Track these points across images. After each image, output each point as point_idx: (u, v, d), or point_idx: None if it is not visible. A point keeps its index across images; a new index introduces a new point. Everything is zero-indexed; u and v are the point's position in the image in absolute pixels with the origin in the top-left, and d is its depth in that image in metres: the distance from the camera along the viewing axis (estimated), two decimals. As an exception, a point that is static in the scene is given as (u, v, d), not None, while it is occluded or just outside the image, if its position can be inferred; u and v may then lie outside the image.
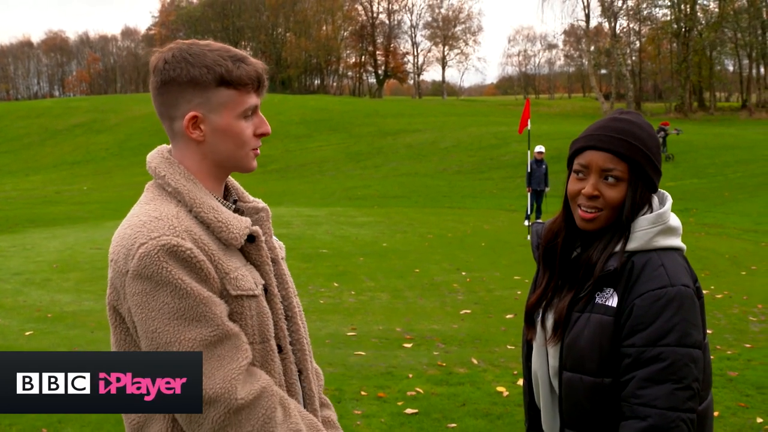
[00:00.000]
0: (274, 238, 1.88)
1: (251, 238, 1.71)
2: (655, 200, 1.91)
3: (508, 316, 7.82)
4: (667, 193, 1.95)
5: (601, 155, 1.84)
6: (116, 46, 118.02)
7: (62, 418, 4.66)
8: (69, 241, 14.01)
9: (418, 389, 5.40)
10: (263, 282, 1.71)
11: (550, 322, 1.94)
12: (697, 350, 1.77)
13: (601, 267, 1.83)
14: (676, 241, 1.89)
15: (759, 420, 4.80)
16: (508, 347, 6.63)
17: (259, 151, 1.74)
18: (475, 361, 6.18)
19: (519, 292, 9.00)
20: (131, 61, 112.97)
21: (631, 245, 1.84)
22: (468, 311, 8.21)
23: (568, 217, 1.95)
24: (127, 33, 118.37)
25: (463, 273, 10.52)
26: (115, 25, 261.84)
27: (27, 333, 7.15)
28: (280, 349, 1.73)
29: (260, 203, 1.85)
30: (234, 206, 1.78)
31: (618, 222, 1.86)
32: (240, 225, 1.67)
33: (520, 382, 5.57)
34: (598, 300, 1.84)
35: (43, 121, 51.42)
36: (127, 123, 48.65)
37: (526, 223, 15.86)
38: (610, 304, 1.81)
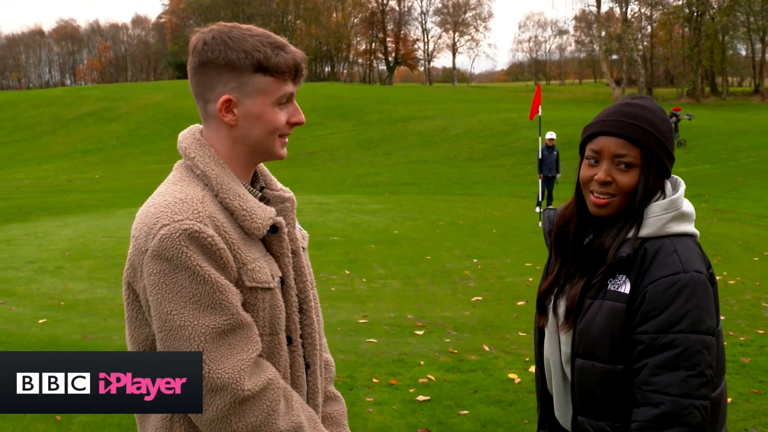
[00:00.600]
0: (298, 227, 1.87)
1: (274, 229, 1.70)
2: (668, 186, 1.89)
3: (520, 303, 7.81)
4: (680, 179, 1.93)
5: (614, 141, 1.82)
6: (127, 35, 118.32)
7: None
8: (81, 229, 14.08)
9: (429, 376, 5.41)
10: (281, 274, 1.70)
11: (562, 309, 1.93)
12: (710, 337, 1.75)
13: (614, 253, 1.82)
14: (690, 227, 1.87)
15: (772, 406, 4.78)
16: (520, 334, 6.63)
17: (287, 139, 1.73)
18: (486, 348, 6.18)
19: (530, 279, 8.98)
20: (142, 49, 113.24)
21: (644, 231, 1.82)
22: (479, 298, 8.20)
23: (581, 204, 1.93)
24: (138, 21, 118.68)
25: (475, 260, 10.51)
26: (125, 14, 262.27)
27: (40, 321, 7.20)
28: (290, 342, 1.73)
29: (287, 192, 1.83)
30: (260, 194, 1.76)
31: (631, 208, 1.84)
32: (264, 215, 1.66)
33: (532, 368, 5.56)
34: (611, 287, 1.82)
35: (54, 109, 51.63)
36: (138, 111, 48.79)
37: (537, 209, 15.80)
38: (622, 291, 1.80)
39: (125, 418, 4.53)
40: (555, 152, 16.72)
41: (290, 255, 1.74)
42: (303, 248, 1.86)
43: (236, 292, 1.59)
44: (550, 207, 2.16)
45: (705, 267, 1.83)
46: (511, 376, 5.42)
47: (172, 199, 1.59)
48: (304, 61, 1.68)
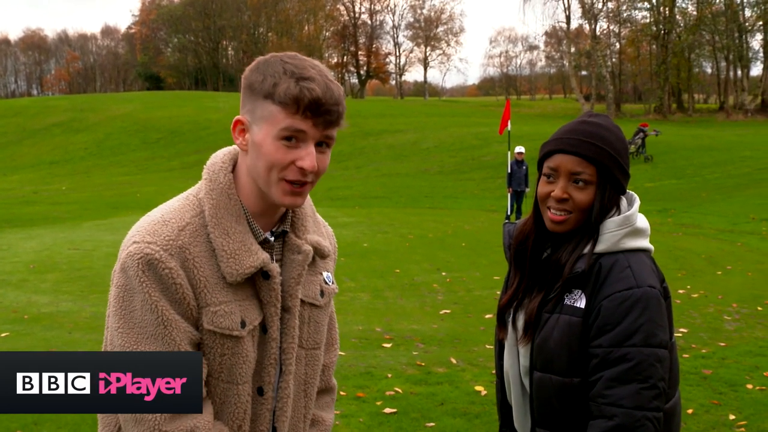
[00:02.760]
0: (326, 279, 1.78)
1: (266, 275, 1.60)
2: (624, 202, 1.94)
3: (488, 316, 7.86)
4: (635, 195, 1.98)
5: (570, 159, 1.86)
6: (96, 45, 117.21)
7: (38, 419, 4.62)
8: (46, 241, 13.89)
9: (396, 389, 5.42)
10: (259, 320, 1.61)
11: (521, 323, 1.96)
12: (663, 350, 1.79)
13: (570, 269, 1.86)
14: (644, 243, 1.92)
15: (731, 417, 4.87)
16: (487, 347, 6.67)
17: (298, 187, 1.55)
18: (453, 361, 6.21)
19: (498, 292, 8.99)
20: (111, 60, 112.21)
21: (599, 247, 1.86)
22: (447, 311, 8.24)
23: (538, 219, 1.97)
24: (107, 32, 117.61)
25: (444, 273, 10.56)
26: (94, 24, 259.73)
27: (3, 334, 7.08)
28: (261, 393, 1.65)
29: (305, 245, 1.68)
30: (265, 236, 1.64)
31: (587, 224, 1.88)
32: (247, 261, 1.56)
33: (498, 381, 5.61)
34: (567, 301, 1.86)
35: (20, 120, 50.89)
36: (107, 122, 48.28)
37: (506, 223, 15.98)
38: (578, 305, 1.84)
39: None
40: (524, 166, 16.90)
41: (278, 305, 1.63)
42: (317, 305, 1.75)
43: (186, 329, 1.53)
44: (508, 221, 2.19)
45: (658, 281, 1.87)
46: (478, 388, 5.46)
47: (158, 218, 1.56)
48: (328, 99, 1.50)
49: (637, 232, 1.90)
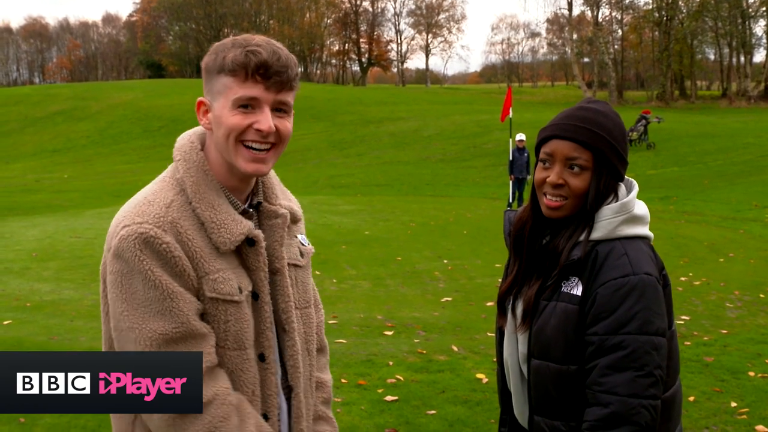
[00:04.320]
0: (302, 241, 1.85)
1: (251, 242, 1.66)
2: (622, 189, 1.92)
3: (489, 304, 7.86)
4: (634, 182, 1.96)
5: (566, 144, 1.85)
6: (97, 33, 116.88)
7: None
8: (48, 229, 13.90)
9: (398, 377, 5.43)
10: (250, 288, 1.66)
11: (519, 310, 1.96)
12: (660, 338, 1.78)
13: (566, 256, 1.85)
14: (642, 230, 1.90)
15: (733, 404, 4.87)
16: (488, 334, 6.67)
17: (261, 153, 1.60)
18: (455, 349, 6.21)
19: (500, 280, 9.00)
20: (112, 47, 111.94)
21: (596, 234, 1.85)
22: (449, 299, 8.24)
23: (536, 206, 1.96)
24: (109, 19, 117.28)
25: (445, 261, 10.55)
26: (96, 12, 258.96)
27: (6, 322, 7.09)
28: (263, 359, 1.68)
29: (281, 209, 1.76)
30: (243, 207, 1.70)
31: (583, 211, 1.87)
32: (235, 229, 1.62)
33: (500, 368, 5.62)
34: (564, 288, 1.85)
35: (22, 108, 50.86)
36: (108, 111, 48.25)
37: (507, 211, 15.97)
38: (575, 293, 1.83)
39: (90, 420, 4.49)
40: (525, 154, 16.87)
41: (266, 269, 1.69)
42: (300, 265, 1.82)
43: (191, 300, 1.57)
44: (510, 208, 2.18)
45: (656, 269, 1.85)
46: (479, 376, 5.46)
47: (141, 201, 1.60)
48: (275, 61, 1.56)
49: (635, 219, 1.89)
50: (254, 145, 1.59)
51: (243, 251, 1.66)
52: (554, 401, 1.88)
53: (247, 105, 1.57)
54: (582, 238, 1.85)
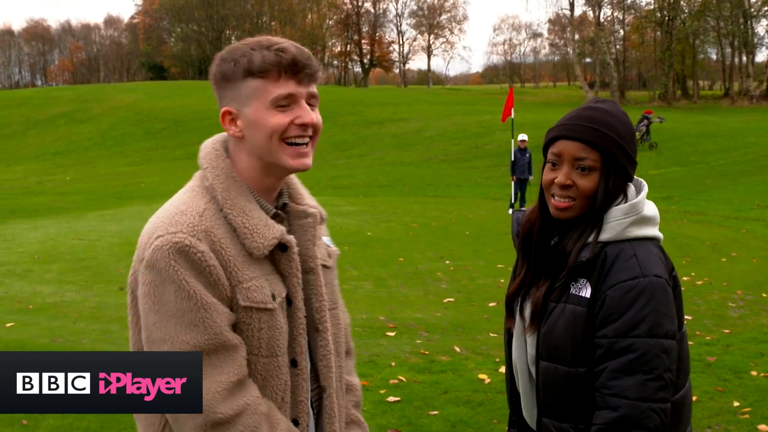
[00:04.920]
0: (327, 243, 1.86)
1: (283, 247, 1.65)
2: (632, 189, 1.91)
3: (491, 304, 7.86)
4: (643, 182, 1.94)
5: (573, 144, 1.84)
6: (99, 35, 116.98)
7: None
8: (51, 231, 13.91)
9: (400, 377, 5.43)
10: (285, 294, 1.66)
11: (527, 312, 1.94)
12: (670, 340, 1.77)
13: (575, 257, 1.83)
14: (651, 231, 1.88)
15: (736, 404, 4.86)
16: (491, 335, 6.67)
17: (303, 148, 1.63)
18: (457, 349, 6.21)
19: (502, 281, 9.03)
20: (114, 50, 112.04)
21: (604, 236, 1.84)
22: (451, 299, 8.24)
23: (544, 207, 1.94)
24: (110, 21, 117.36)
25: (447, 261, 10.55)
26: (97, 14, 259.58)
27: (8, 324, 7.10)
28: (295, 365, 1.68)
29: (310, 209, 1.76)
30: (275, 210, 1.70)
31: (591, 212, 1.85)
32: (269, 234, 1.62)
33: (502, 369, 5.61)
34: (573, 290, 1.84)
35: (24, 110, 50.91)
36: (110, 113, 48.27)
37: (510, 211, 15.90)
38: (583, 295, 1.82)
39: (93, 421, 4.49)
40: (527, 154, 16.86)
41: (299, 275, 1.68)
42: (328, 266, 1.82)
43: (224, 311, 1.56)
44: (521, 208, 2.16)
45: (666, 271, 1.83)
46: (482, 376, 5.46)
47: (173, 210, 1.59)
48: (302, 56, 1.59)
49: (645, 221, 1.87)
50: (297, 140, 1.61)
51: (276, 256, 1.65)
52: (563, 403, 1.87)
53: (284, 103, 1.59)
54: (591, 239, 1.84)
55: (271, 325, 1.62)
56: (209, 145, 1.71)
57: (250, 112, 1.59)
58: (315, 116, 1.63)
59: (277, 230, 1.63)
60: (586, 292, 1.81)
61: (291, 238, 1.66)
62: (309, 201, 1.80)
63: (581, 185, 1.83)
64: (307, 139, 1.63)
